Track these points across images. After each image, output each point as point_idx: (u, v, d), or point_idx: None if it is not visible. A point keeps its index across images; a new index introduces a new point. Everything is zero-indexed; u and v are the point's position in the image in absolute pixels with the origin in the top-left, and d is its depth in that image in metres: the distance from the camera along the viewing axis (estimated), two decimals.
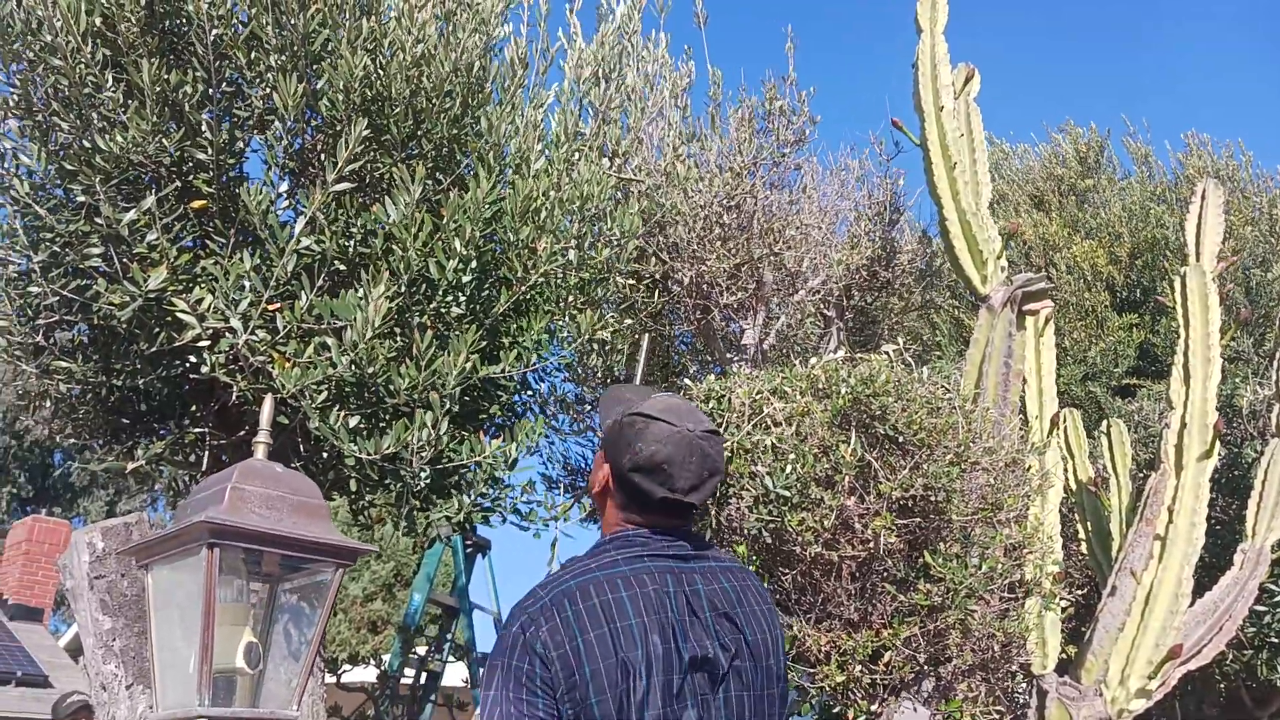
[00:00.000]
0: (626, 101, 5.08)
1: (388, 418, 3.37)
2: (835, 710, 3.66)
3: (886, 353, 3.79)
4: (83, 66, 3.08)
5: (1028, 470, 4.05)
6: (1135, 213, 9.85)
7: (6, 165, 3.24)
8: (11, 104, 3.27)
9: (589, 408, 5.89)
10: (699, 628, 1.57)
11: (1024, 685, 4.45)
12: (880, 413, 3.47)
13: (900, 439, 3.52)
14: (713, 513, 3.35)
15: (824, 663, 3.52)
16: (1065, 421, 5.24)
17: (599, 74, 4.72)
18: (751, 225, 5.05)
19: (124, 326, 3.18)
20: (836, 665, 3.50)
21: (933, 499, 3.56)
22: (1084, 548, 5.37)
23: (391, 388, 3.20)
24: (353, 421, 3.18)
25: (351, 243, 3.33)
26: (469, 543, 7.26)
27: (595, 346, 5.46)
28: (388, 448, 3.15)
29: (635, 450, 1.62)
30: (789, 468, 3.25)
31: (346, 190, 3.24)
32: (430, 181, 3.44)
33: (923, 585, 3.53)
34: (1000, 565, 3.63)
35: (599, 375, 5.73)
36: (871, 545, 3.48)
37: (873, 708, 3.59)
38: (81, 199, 3.15)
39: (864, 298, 5.84)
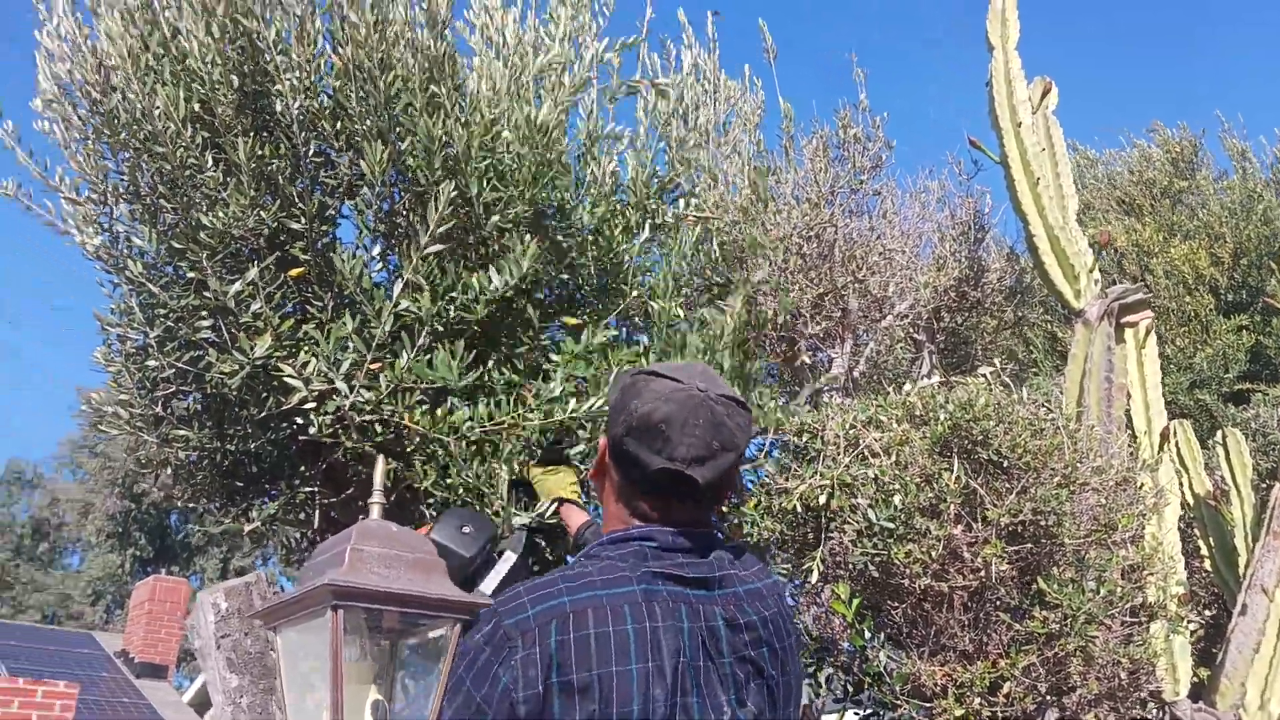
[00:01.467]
0: (701, 141, 5.13)
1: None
2: None
3: (984, 375, 3.71)
4: (184, 150, 3.25)
5: (1140, 488, 3.90)
6: (1237, 211, 9.48)
7: (120, 247, 3.43)
8: (121, 190, 3.47)
9: None
10: (714, 680, 1.26)
11: (1155, 713, 4.25)
12: (982, 437, 3.40)
13: (1004, 463, 3.44)
14: (819, 553, 3.31)
15: (941, 696, 3.43)
16: (1176, 434, 5.04)
17: (670, 115, 4.78)
18: (833, 254, 5.02)
19: (235, 393, 3.32)
20: (954, 698, 3.40)
21: (1043, 523, 3.45)
22: (1208, 565, 5.12)
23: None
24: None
25: (451, 307, 3.40)
26: None
27: None
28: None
29: (630, 410, 1.30)
30: (895, 499, 3.20)
31: (439, 251, 3.34)
32: (529, 236, 3.51)
33: (1039, 612, 3.41)
34: (1120, 588, 3.50)
35: None
36: (982, 574, 3.38)
37: None
38: (190, 275, 3.31)
39: (954, 319, 5.74)
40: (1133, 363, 4.86)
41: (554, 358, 3.43)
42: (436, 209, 3.22)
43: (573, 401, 3.26)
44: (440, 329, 3.41)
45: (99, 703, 10.80)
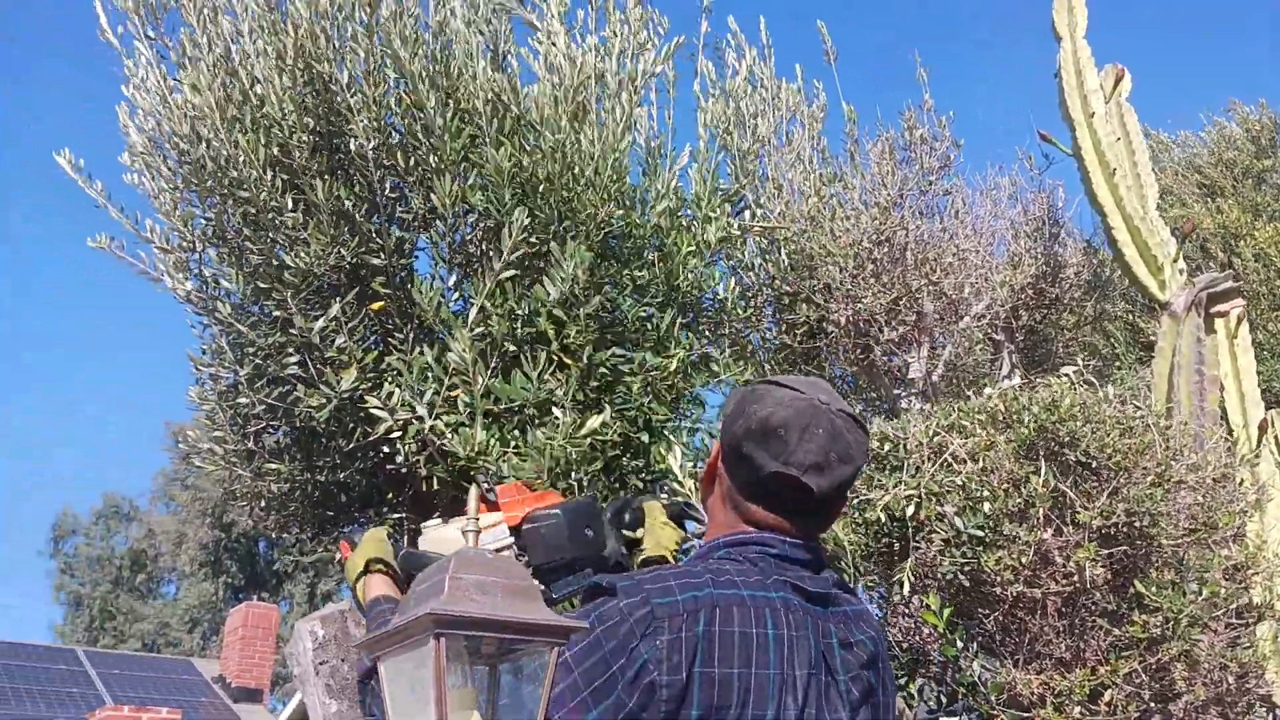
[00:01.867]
0: (762, 149, 5.13)
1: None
2: None
3: (1067, 374, 3.63)
4: (265, 193, 3.38)
5: (1240, 484, 3.77)
6: None
7: (209, 291, 3.57)
8: (208, 235, 3.62)
9: None
10: (834, 697, 1.26)
11: (1266, 718, 4.09)
12: (1069, 439, 3.32)
13: (1094, 464, 3.35)
14: (908, 563, 3.27)
15: (1039, 706, 3.35)
16: (1275, 425, 4.85)
17: (731, 126, 4.79)
18: (905, 257, 4.97)
19: (323, 426, 3.43)
20: (1053, 707, 3.32)
21: (1137, 524, 3.35)
22: None
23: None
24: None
25: (518, 325, 3.47)
26: None
27: None
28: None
29: (749, 415, 1.30)
30: (985, 506, 3.14)
31: (510, 276, 3.40)
32: (589, 252, 3.56)
33: (1138, 617, 3.32)
34: (1223, 589, 3.38)
35: None
36: (1076, 579, 3.30)
37: None
38: (276, 313, 3.43)
39: (1032, 317, 5.61)
40: (1224, 353, 4.69)
41: (626, 371, 3.46)
42: (510, 236, 3.29)
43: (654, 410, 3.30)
44: (513, 348, 3.47)
45: None
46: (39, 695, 11.25)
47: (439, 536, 1.74)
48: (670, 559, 1.84)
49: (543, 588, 1.71)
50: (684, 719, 1.17)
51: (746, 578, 1.26)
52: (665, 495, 2.07)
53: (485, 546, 1.67)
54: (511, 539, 1.74)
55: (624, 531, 1.90)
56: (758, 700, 1.18)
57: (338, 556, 1.86)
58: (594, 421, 3.18)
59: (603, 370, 3.42)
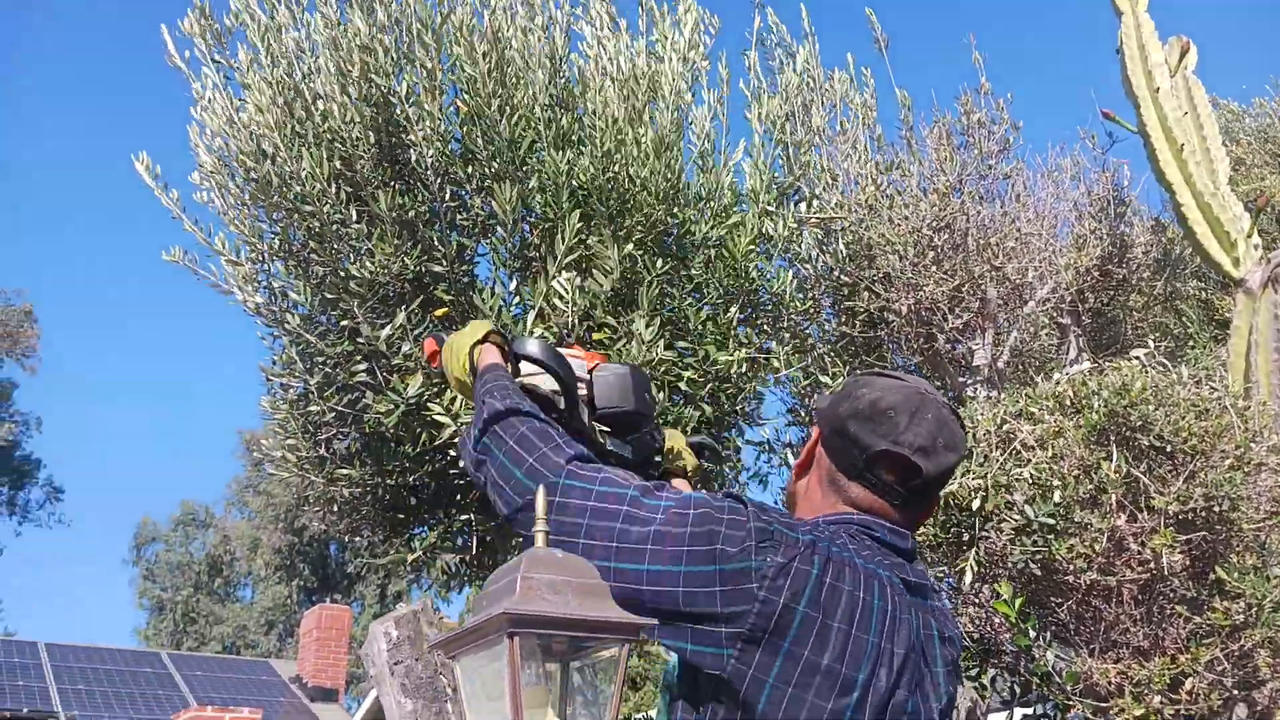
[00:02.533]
0: (816, 141, 5.10)
1: None
2: None
3: (1137, 356, 3.55)
4: (329, 206, 3.46)
5: None
6: None
7: (278, 303, 3.67)
8: (276, 248, 3.72)
9: None
10: (928, 685, 1.24)
11: None
12: (1141, 423, 3.25)
13: (1168, 448, 3.28)
14: (973, 552, 3.24)
15: (1117, 695, 3.29)
16: None
17: (784, 119, 4.77)
18: (966, 243, 4.90)
19: (391, 432, 3.50)
20: (1132, 697, 3.26)
21: (1216, 509, 3.27)
22: None
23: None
24: None
25: (577, 321, 3.50)
26: None
27: (815, 388, 5.43)
28: None
29: (856, 397, 1.30)
30: (1055, 494, 3.09)
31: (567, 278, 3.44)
32: (640, 253, 3.58)
33: (1219, 603, 3.24)
34: None
35: None
36: (1152, 565, 3.23)
37: None
38: (344, 323, 3.51)
39: (1099, 299, 5.49)
40: None
41: (691, 372, 3.48)
42: (564, 239, 3.32)
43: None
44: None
45: None
46: (126, 698, 11.66)
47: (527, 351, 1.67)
48: (688, 483, 1.82)
49: (605, 430, 1.70)
50: (776, 647, 1.15)
51: (856, 545, 1.25)
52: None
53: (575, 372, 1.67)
54: (588, 375, 1.72)
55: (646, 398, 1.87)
56: (853, 661, 1.16)
57: (426, 355, 1.83)
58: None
59: (666, 373, 3.43)
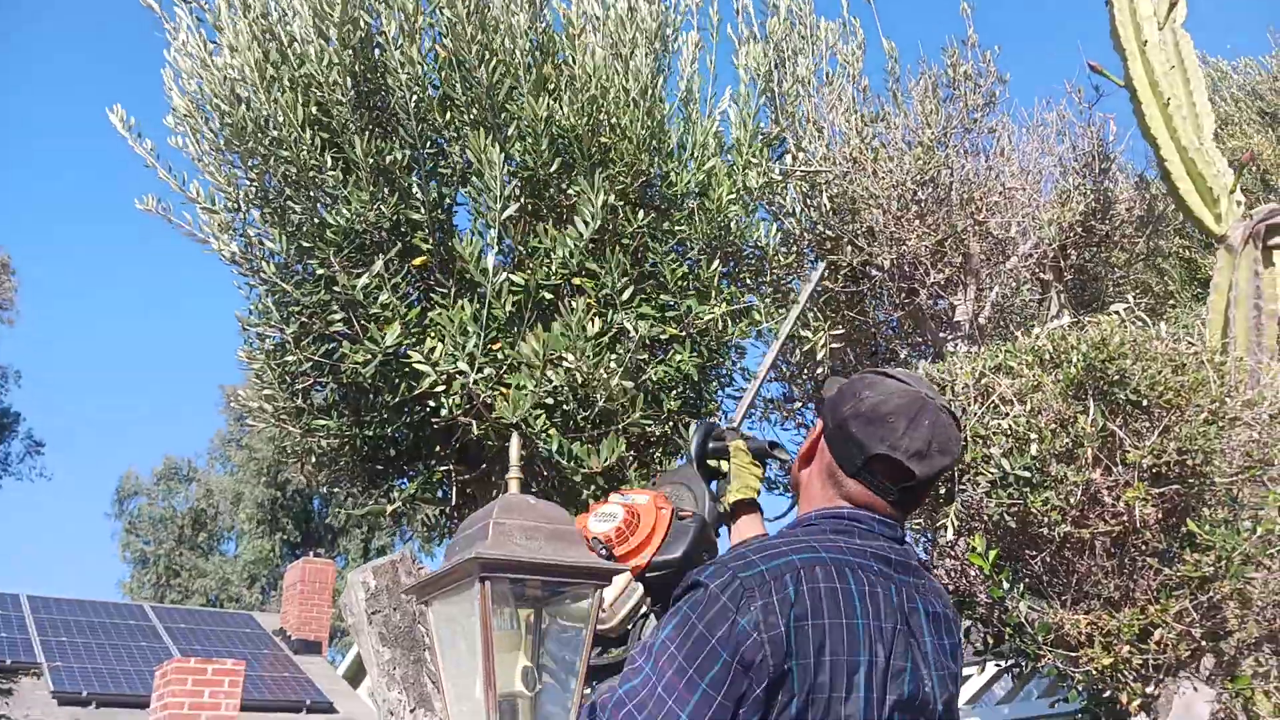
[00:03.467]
0: (802, 91, 5.04)
1: (599, 433, 3.50)
2: (1106, 695, 3.46)
3: (1117, 312, 3.56)
4: (305, 151, 3.39)
5: None
6: None
7: (254, 251, 3.61)
8: (252, 196, 3.66)
9: (798, 404, 5.85)
10: (917, 656, 1.35)
11: None
12: (1119, 377, 3.26)
13: (1144, 402, 3.30)
14: (953, 507, 3.26)
15: (1087, 645, 3.34)
16: None
17: (771, 67, 4.70)
18: (950, 197, 4.88)
19: (369, 382, 3.47)
20: (1101, 647, 3.31)
21: (1189, 462, 3.30)
22: None
23: (607, 393, 3.29)
24: (575, 448, 3.33)
25: (551, 269, 3.45)
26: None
27: (796, 342, 5.43)
28: (606, 460, 3.29)
29: (860, 398, 1.40)
30: (1032, 448, 3.11)
31: (521, 216, 3.37)
32: (622, 204, 3.54)
33: (1189, 555, 3.28)
34: (1277, 527, 3.32)
35: (805, 373, 5.69)
36: (1125, 518, 3.27)
37: (1147, 690, 3.37)
38: (320, 271, 3.46)
39: (1082, 255, 5.49)
40: None
41: (672, 328, 3.46)
42: (496, 180, 3.26)
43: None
44: (549, 296, 3.46)
45: (262, 678, 11.53)
46: (110, 650, 11.70)
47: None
48: (755, 499, 1.90)
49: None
50: (788, 669, 1.24)
51: (824, 543, 1.36)
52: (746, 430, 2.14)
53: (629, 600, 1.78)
54: (640, 588, 1.79)
55: (708, 462, 1.95)
56: (851, 646, 1.27)
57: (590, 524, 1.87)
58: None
59: (646, 334, 3.41)
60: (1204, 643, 3.36)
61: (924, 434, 1.36)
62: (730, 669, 1.24)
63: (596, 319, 3.30)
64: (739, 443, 1.94)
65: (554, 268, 3.40)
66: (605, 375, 3.24)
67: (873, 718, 1.28)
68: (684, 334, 3.59)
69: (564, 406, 3.36)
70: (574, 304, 3.32)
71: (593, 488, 3.54)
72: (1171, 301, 7.81)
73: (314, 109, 3.43)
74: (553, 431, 3.30)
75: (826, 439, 1.44)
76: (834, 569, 1.31)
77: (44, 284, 44.52)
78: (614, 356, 3.33)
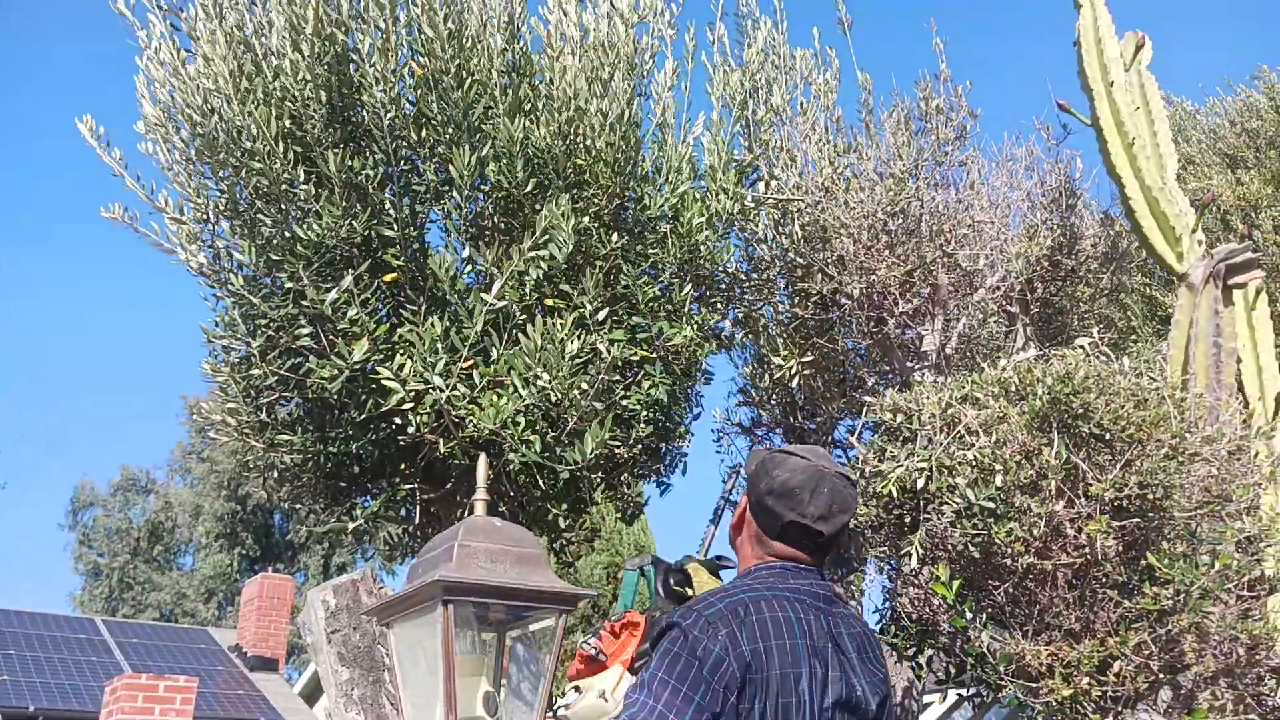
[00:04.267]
0: (776, 120, 5.08)
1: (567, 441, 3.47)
2: None
3: (1082, 346, 3.60)
4: (278, 165, 3.37)
5: (1255, 456, 3.75)
6: None
7: (222, 263, 3.57)
8: (222, 207, 3.62)
9: (766, 430, 5.86)
10: (847, 667, 1.67)
11: (1276, 689, 4.08)
12: (1082, 411, 3.30)
13: (1107, 436, 3.34)
14: (918, 535, 3.27)
15: (1047, 676, 3.36)
16: None
17: (746, 95, 4.74)
18: (920, 229, 4.92)
19: (335, 398, 3.44)
20: (1061, 678, 3.33)
21: (1150, 496, 3.34)
22: None
23: (579, 413, 3.29)
24: (558, 449, 3.33)
25: (526, 290, 3.45)
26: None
27: (765, 368, 5.45)
28: (593, 449, 3.28)
29: (771, 476, 1.76)
30: (996, 479, 3.13)
31: (495, 235, 3.38)
32: (596, 226, 3.55)
33: (1149, 588, 3.31)
34: (1235, 561, 3.36)
35: (774, 398, 5.71)
36: (1087, 551, 3.30)
37: None
38: (288, 285, 3.43)
39: (1048, 289, 5.56)
40: (1242, 325, 4.65)
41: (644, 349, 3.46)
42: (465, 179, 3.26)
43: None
44: (522, 316, 3.45)
45: (216, 695, 11.30)
46: (59, 664, 11.43)
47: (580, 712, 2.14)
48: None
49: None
50: (750, 679, 1.55)
51: (764, 583, 1.70)
52: (698, 555, 2.77)
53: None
54: (632, 679, 2.22)
55: (675, 589, 2.49)
56: (794, 661, 1.59)
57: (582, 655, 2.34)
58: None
59: (619, 356, 3.41)
60: (1162, 675, 3.39)
61: (824, 500, 1.71)
62: (710, 685, 1.53)
63: (575, 339, 3.29)
64: (694, 564, 2.46)
65: (528, 289, 3.39)
66: (577, 395, 3.23)
67: (815, 716, 1.59)
68: (654, 355, 3.59)
69: (535, 426, 3.35)
70: (557, 321, 3.32)
71: (575, 494, 3.53)
72: (1134, 337, 7.95)
73: (288, 122, 3.41)
74: (533, 436, 3.29)
75: (750, 512, 1.79)
76: (775, 602, 1.65)
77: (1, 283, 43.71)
78: (585, 377, 3.32)
